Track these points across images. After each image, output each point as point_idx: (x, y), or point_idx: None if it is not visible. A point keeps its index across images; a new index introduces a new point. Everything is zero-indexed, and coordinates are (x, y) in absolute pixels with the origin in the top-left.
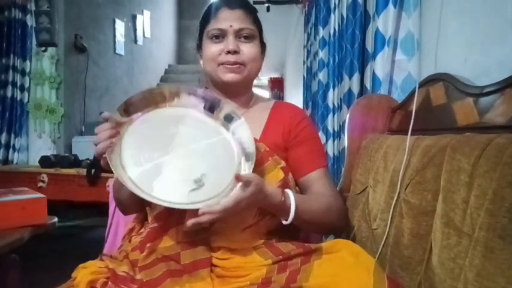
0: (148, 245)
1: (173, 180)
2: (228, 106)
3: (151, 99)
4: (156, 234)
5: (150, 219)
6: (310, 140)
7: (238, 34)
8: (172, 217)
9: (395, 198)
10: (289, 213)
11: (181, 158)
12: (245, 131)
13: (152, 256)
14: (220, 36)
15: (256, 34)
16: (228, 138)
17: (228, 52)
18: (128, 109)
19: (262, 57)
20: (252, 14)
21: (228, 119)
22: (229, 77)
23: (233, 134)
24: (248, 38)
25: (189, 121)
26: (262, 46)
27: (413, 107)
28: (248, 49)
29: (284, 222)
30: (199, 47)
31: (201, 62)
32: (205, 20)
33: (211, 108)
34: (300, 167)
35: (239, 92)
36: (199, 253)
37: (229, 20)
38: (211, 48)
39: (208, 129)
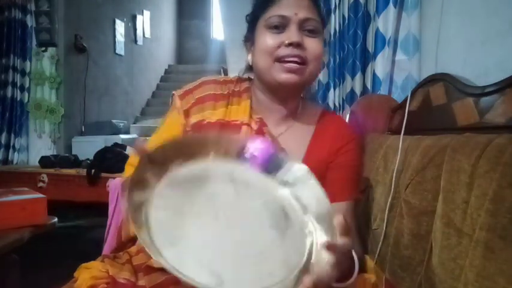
0: None
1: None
2: (299, 168)
3: (186, 148)
4: None
5: None
6: (350, 167)
7: (303, 25)
8: None
9: (393, 198)
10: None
11: (233, 228)
12: (313, 187)
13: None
14: (280, 26)
15: (321, 29)
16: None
17: (290, 44)
18: (154, 159)
19: (323, 59)
20: (318, 5)
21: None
22: (285, 77)
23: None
24: (313, 32)
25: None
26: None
27: (406, 109)
28: (313, 44)
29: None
30: (249, 38)
31: (249, 57)
32: (263, 6)
33: (271, 166)
34: (328, 192)
35: (290, 96)
36: None
37: (294, 6)
38: (269, 40)
39: (260, 189)
